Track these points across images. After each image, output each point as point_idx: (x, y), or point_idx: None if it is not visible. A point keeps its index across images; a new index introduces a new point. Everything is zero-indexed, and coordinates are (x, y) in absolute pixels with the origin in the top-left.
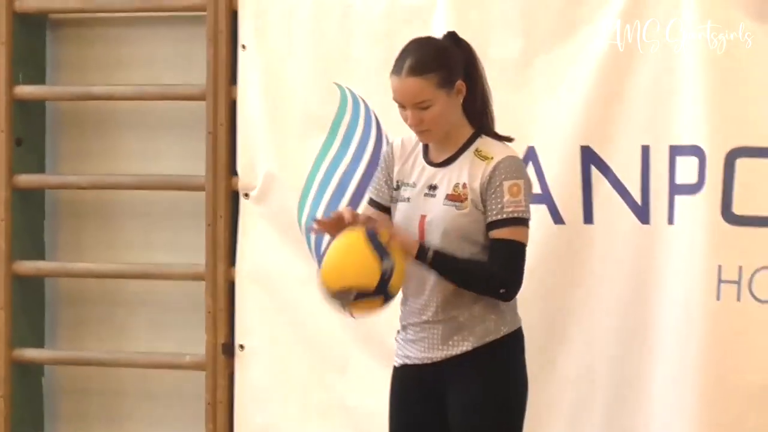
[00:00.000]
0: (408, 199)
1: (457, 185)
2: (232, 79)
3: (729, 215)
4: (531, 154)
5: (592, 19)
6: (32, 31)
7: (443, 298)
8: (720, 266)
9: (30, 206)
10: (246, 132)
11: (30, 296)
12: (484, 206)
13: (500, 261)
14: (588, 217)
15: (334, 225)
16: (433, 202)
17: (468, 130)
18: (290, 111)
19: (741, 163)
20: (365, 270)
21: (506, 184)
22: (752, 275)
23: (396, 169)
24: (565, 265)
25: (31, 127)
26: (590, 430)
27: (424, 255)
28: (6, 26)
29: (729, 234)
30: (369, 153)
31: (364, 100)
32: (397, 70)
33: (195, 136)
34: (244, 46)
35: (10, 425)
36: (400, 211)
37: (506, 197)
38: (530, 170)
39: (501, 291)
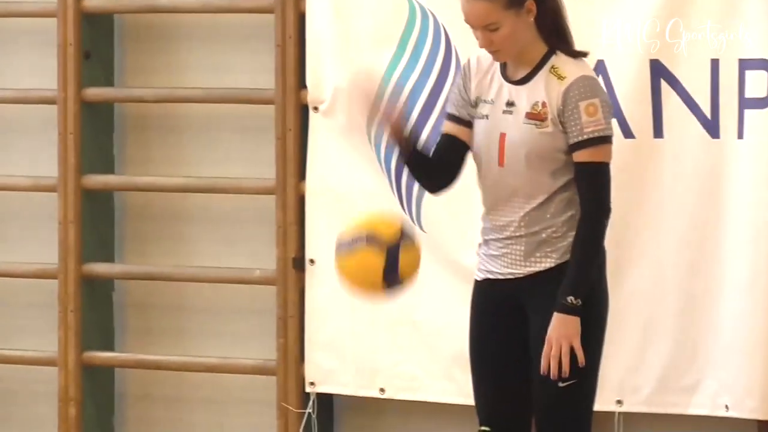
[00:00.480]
0: (486, 116)
1: (536, 104)
2: None
3: None
4: (600, 68)
5: None
6: None
7: (525, 214)
8: None
9: (98, 119)
10: (315, 45)
11: (99, 210)
12: (563, 126)
13: (592, 190)
14: (658, 131)
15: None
16: (512, 120)
17: (542, 48)
18: (359, 24)
19: None
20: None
21: (582, 104)
22: None
23: (473, 85)
24: (636, 179)
25: (99, 40)
26: (662, 343)
27: (572, 307)
28: None
29: None
30: (438, 67)
31: (432, 13)
32: None
33: (264, 49)
34: None
35: (81, 339)
36: (479, 128)
37: (584, 117)
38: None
39: (605, 222)
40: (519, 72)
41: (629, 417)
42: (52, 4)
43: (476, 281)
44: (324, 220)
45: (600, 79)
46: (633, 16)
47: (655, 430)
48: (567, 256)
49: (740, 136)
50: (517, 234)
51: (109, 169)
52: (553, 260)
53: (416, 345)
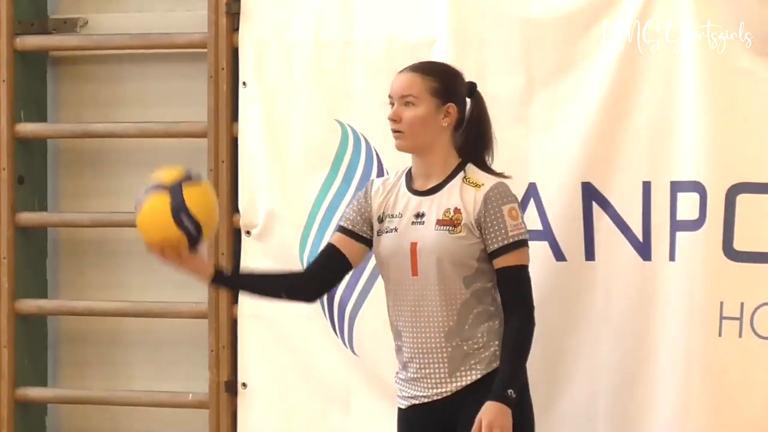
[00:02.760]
0: (395, 229)
1: (447, 210)
2: (233, 116)
3: (730, 251)
4: (532, 191)
5: (591, 55)
6: (33, 69)
7: (442, 327)
8: (722, 303)
9: (32, 244)
10: (247, 169)
11: (33, 335)
12: (481, 231)
13: (516, 293)
14: (590, 254)
15: None
16: (423, 229)
17: (455, 160)
18: (291, 148)
19: (742, 199)
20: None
21: (505, 208)
22: (754, 312)
23: (375, 205)
24: (567, 302)
25: (32, 165)
26: None
27: (510, 400)
28: (7, 64)
29: (730, 270)
30: None
31: (365, 137)
32: (401, 70)
33: None
34: (244, 83)
35: None
36: (386, 241)
37: (509, 221)
38: (531, 207)
39: (534, 321)
40: (429, 182)
41: None
42: None
43: (400, 410)
44: (256, 344)
45: (531, 202)
46: (564, 138)
47: None
48: (493, 365)
49: (672, 258)
50: (439, 350)
51: (43, 293)
52: (479, 371)
53: None
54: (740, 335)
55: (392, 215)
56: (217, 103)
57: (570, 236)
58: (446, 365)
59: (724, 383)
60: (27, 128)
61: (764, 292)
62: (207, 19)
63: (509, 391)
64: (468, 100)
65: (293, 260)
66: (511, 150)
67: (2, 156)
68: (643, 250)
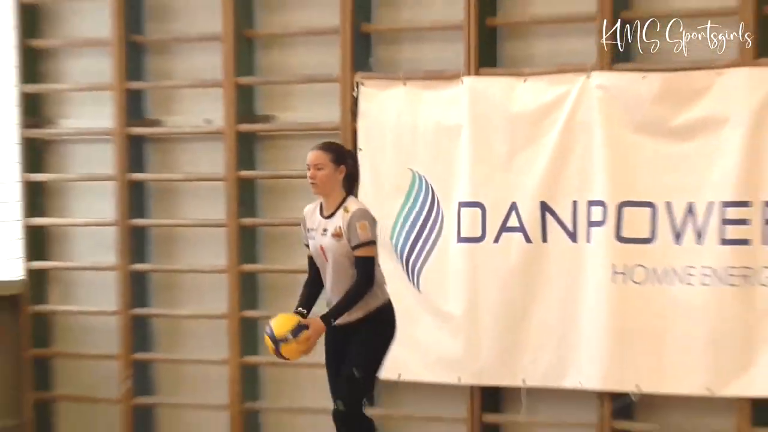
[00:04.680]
0: (314, 237)
1: (337, 228)
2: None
3: (620, 237)
4: (513, 207)
5: (545, 133)
6: None
7: (341, 288)
8: (614, 264)
9: None
10: (360, 196)
11: None
12: (349, 239)
13: (361, 270)
14: (544, 238)
15: None
16: (326, 239)
17: (342, 195)
18: (385, 183)
19: (626, 210)
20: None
21: (358, 224)
22: (632, 269)
23: (307, 223)
24: (532, 266)
25: None
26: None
27: (328, 321)
28: None
29: (619, 247)
30: (426, 209)
31: (425, 178)
32: (313, 147)
33: None
34: (360, 148)
35: None
36: (311, 243)
37: (359, 231)
38: (513, 216)
39: (367, 289)
40: (329, 211)
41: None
42: None
43: (332, 325)
44: None
45: (513, 214)
46: (532, 180)
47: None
48: (367, 311)
49: (588, 241)
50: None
51: None
52: (360, 314)
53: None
54: (624, 282)
55: (312, 228)
56: None
57: (534, 229)
58: None
59: (616, 308)
60: None
61: (637, 259)
62: (340, 116)
63: (332, 319)
64: (350, 161)
65: (387, 246)
66: (501, 184)
67: None
68: (573, 237)
